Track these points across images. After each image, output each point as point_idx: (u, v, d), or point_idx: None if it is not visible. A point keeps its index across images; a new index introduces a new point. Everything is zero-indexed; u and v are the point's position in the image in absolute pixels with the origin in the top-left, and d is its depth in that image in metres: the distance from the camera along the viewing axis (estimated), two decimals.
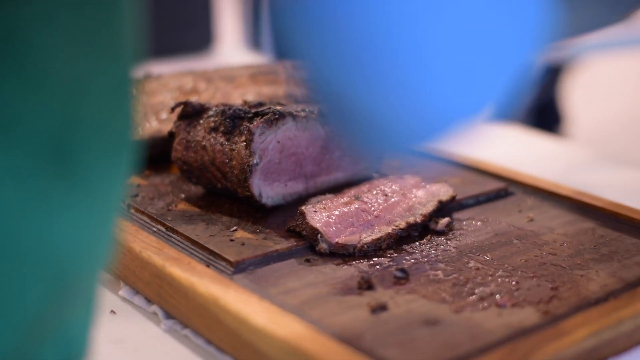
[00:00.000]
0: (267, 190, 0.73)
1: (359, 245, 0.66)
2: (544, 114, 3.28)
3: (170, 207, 0.73)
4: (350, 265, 0.65)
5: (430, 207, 0.72)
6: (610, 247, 0.69)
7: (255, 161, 0.71)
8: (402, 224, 0.69)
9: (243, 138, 0.71)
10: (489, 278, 0.63)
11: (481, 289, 0.61)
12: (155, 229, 0.70)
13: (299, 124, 0.74)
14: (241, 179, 0.71)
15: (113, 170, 0.37)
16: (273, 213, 0.73)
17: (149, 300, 0.66)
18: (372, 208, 0.71)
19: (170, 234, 0.69)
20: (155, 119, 0.84)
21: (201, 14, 1.49)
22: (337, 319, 0.57)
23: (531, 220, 0.74)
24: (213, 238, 0.67)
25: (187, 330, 0.62)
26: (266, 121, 0.72)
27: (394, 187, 0.74)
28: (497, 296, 0.60)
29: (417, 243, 0.69)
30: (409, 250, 0.68)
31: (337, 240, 0.66)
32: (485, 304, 0.59)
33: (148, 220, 0.72)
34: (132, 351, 0.61)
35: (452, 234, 0.71)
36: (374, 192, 0.73)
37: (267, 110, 0.72)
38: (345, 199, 0.71)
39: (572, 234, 0.72)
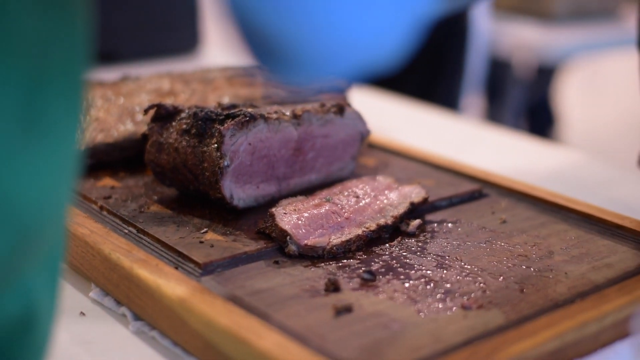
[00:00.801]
0: (239, 192, 0.73)
1: (327, 247, 0.66)
2: (537, 116, 3.28)
3: (142, 209, 0.73)
4: (318, 267, 0.65)
5: (401, 209, 0.72)
6: (582, 249, 0.69)
7: (226, 163, 0.71)
8: (373, 226, 0.69)
9: (214, 140, 0.71)
10: (457, 280, 0.63)
11: (448, 291, 0.61)
12: (126, 231, 0.70)
13: (270, 126, 0.74)
14: (212, 181, 0.71)
15: (70, 125, 0.40)
16: (245, 215, 0.73)
17: (119, 302, 0.66)
18: (343, 210, 0.71)
19: (141, 235, 0.69)
20: (130, 121, 0.84)
21: (187, 16, 1.49)
22: (301, 320, 0.57)
23: (504, 222, 0.74)
24: (183, 240, 0.67)
25: (155, 332, 0.62)
26: (237, 123, 0.72)
27: (366, 188, 0.74)
28: (464, 298, 0.60)
29: (387, 245, 0.69)
30: (378, 252, 0.68)
31: (305, 242, 0.66)
32: (451, 306, 0.59)
33: (120, 222, 0.72)
34: (99, 353, 0.61)
35: (423, 236, 0.71)
36: (346, 194, 0.73)
37: (239, 113, 0.72)
38: (316, 201, 0.71)
39: (544, 236, 0.72)
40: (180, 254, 0.65)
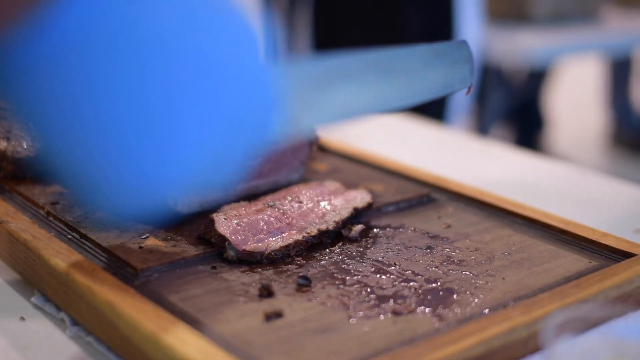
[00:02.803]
0: (183, 197, 0.73)
1: (265, 253, 0.66)
2: (526, 118, 3.28)
3: (87, 215, 0.74)
4: (255, 272, 0.65)
5: (344, 214, 0.72)
6: (523, 254, 0.70)
7: None
8: (313, 231, 0.70)
9: None
10: (393, 285, 0.63)
11: (381, 296, 0.62)
12: (70, 237, 0.71)
13: None
14: None
15: None
16: (189, 221, 0.73)
17: (59, 307, 0.66)
18: (285, 215, 0.71)
19: (84, 241, 0.69)
20: None
21: None
22: (230, 326, 0.57)
23: (448, 226, 0.75)
24: (123, 245, 0.67)
25: (91, 337, 0.62)
26: None
27: (310, 193, 0.74)
28: (396, 304, 0.60)
29: (327, 250, 0.69)
30: (318, 257, 0.68)
31: (244, 247, 0.66)
32: (382, 312, 0.59)
33: (64, 228, 0.72)
34: (34, 358, 0.61)
35: (365, 241, 0.71)
36: (289, 199, 0.73)
37: None
38: (259, 206, 0.72)
39: (487, 241, 0.72)
40: (119, 259, 0.65)
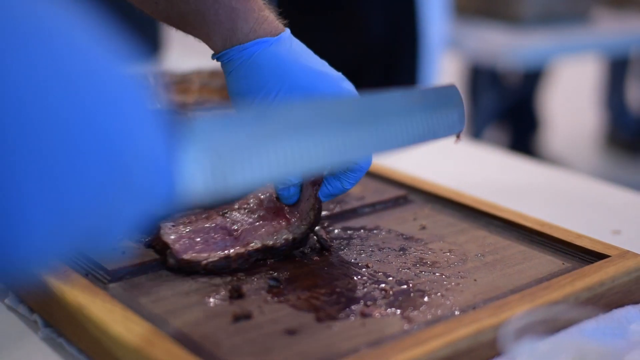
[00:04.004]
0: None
1: (203, 263, 0.65)
2: (520, 119, 3.28)
3: None
4: (228, 274, 0.65)
5: (297, 233, 0.69)
6: (496, 256, 0.70)
7: None
8: (258, 245, 0.67)
9: None
10: (364, 287, 0.63)
11: (352, 298, 0.62)
12: None
13: None
14: None
15: None
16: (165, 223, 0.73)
17: (31, 309, 0.66)
18: (234, 226, 0.69)
19: None
20: None
21: (147, 22, 1.49)
22: (198, 328, 0.57)
23: (423, 228, 0.75)
24: None
25: (62, 338, 0.63)
26: None
27: (259, 205, 0.72)
28: (366, 305, 0.61)
29: (300, 252, 0.69)
30: (290, 259, 0.68)
31: (183, 256, 0.65)
32: (352, 313, 0.60)
33: None
34: (5, 359, 0.61)
35: (339, 243, 0.71)
36: (243, 209, 0.71)
37: None
38: (210, 214, 0.70)
39: (461, 242, 0.72)
40: (91, 260, 0.66)
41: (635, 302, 0.67)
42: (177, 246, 0.66)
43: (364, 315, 0.59)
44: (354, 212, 0.78)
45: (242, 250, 0.66)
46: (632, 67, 3.55)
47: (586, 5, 2.62)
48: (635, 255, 0.69)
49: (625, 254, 0.69)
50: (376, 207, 0.79)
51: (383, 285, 0.64)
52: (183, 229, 0.68)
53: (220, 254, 0.66)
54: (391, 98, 0.60)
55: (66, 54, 0.39)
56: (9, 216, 0.37)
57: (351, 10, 1.67)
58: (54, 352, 0.62)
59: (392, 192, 0.82)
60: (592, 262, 0.68)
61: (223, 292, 0.62)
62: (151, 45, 1.52)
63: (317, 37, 1.81)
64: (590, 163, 3.48)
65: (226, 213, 0.71)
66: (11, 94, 0.36)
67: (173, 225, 0.68)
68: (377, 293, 0.63)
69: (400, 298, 0.62)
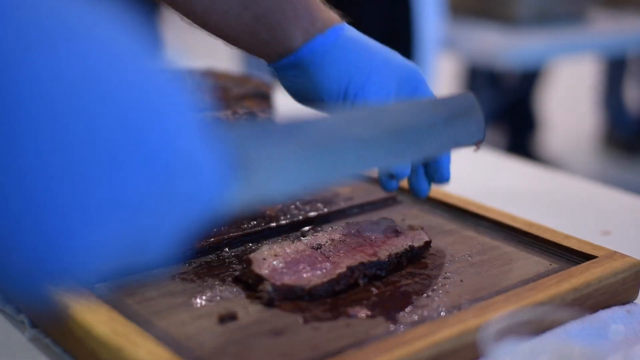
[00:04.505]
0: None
1: (307, 288, 0.62)
2: (518, 120, 3.28)
3: None
4: (215, 274, 0.65)
5: (397, 250, 0.67)
6: (483, 256, 0.70)
7: None
8: (362, 260, 0.65)
9: None
10: (350, 288, 0.63)
11: (337, 299, 0.62)
12: None
13: None
14: None
15: None
16: None
17: (19, 309, 0.66)
18: (328, 253, 0.66)
19: None
20: None
21: (146, 23, 1.49)
22: (183, 329, 0.57)
23: (411, 229, 0.75)
24: None
25: (49, 339, 0.63)
26: None
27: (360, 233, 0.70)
28: (352, 306, 0.61)
29: None
30: None
31: (284, 281, 0.62)
32: (337, 314, 0.60)
33: None
34: None
35: (327, 242, 0.71)
36: (335, 239, 0.68)
37: None
38: (301, 247, 0.67)
39: (450, 243, 0.72)
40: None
41: (622, 303, 0.67)
42: (273, 274, 0.62)
43: (349, 316, 0.59)
44: (342, 213, 0.78)
45: (344, 269, 0.63)
46: (629, 68, 3.55)
47: (582, 5, 2.62)
48: (622, 256, 0.69)
49: (612, 254, 0.69)
50: (365, 207, 0.80)
51: (369, 285, 0.64)
52: (273, 260, 0.64)
53: (323, 276, 0.62)
54: (415, 107, 0.62)
55: (97, 53, 0.36)
56: (50, 232, 0.35)
57: (345, 11, 1.67)
58: (40, 353, 0.62)
59: (381, 193, 0.82)
60: (580, 263, 0.68)
61: (209, 293, 0.62)
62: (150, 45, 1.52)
63: None
64: (588, 163, 3.48)
65: (319, 247, 0.67)
66: (42, 97, 0.33)
67: (263, 259, 0.64)
68: (363, 294, 0.63)
69: (386, 299, 0.62)
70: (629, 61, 3.50)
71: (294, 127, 0.51)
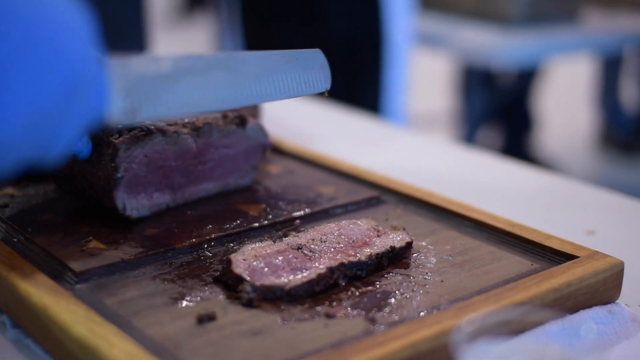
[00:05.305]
0: (132, 202, 0.73)
1: (286, 288, 0.62)
2: (514, 119, 3.28)
3: (35, 218, 0.74)
4: (196, 275, 0.65)
5: (378, 250, 0.67)
6: (465, 256, 0.70)
7: (119, 175, 0.72)
8: (342, 261, 0.65)
9: (110, 151, 0.71)
10: (330, 288, 0.64)
11: (316, 299, 0.62)
12: (15, 240, 0.71)
13: (168, 139, 0.75)
14: (106, 190, 0.72)
15: None
16: (136, 224, 0.73)
17: (0, 310, 0.67)
18: (310, 253, 0.67)
19: (28, 244, 0.70)
20: None
21: (134, 23, 1.49)
22: (161, 329, 0.57)
23: (394, 229, 0.75)
24: (65, 248, 0.68)
25: (29, 339, 0.63)
26: (132, 137, 0.72)
27: (341, 233, 0.70)
28: (331, 306, 0.61)
29: None
30: None
31: (263, 282, 0.62)
32: (316, 315, 0.60)
33: (10, 231, 0.72)
34: None
35: (308, 243, 0.71)
36: (317, 239, 0.69)
37: (136, 125, 0.73)
38: (282, 247, 0.67)
39: (432, 243, 0.72)
40: (59, 262, 0.66)
41: (604, 303, 0.68)
42: (252, 275, 0.63)
43: (328, 316, 0.60)
44: (326, 213, 0.78)
45: (324, 270, 0.63)
46: (625, 66, 3.55)
47: (575, 4, 2.62)
48: (604, 256, 0.69)
49: (594, 254, 0.69)
50: (348, 207, 0.80)
51: (349, 286, 0.64)
52: (254, 261, 0.64)
53: (303, 277, 0.62)
54: (260, 56, 0.70)
55: None
56: None
57: (313, 8, 1.66)
58: (21, 354, 0.62)
59: (365, 193, 0.82)
60: (561, 263, 0.68)
61: (189, 294, 0.62)
62: (137, 46, 1.52)
63: (279, 36, 1.81)
64: (584, 163, 3.49)
65: (300, 247, 0.67)
66: None
67: (243, 259, 0.64)
68: (342, 294, 0.63)
69: (365, 299, 0.62)
70: (625, 60, 3.50)
71: (173, 60, 0.64)
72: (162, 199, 0.76)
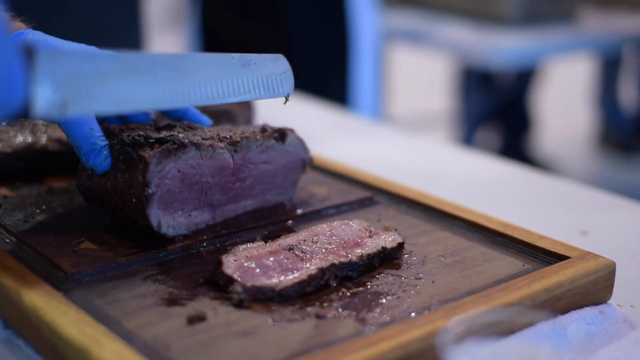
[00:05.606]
0: (169, 219, 0.70)
1: (277, 289, 0.62)
2: (512, 119, 3.28)
3: (27, 219, 0.74)
4: (188, 275, 0.65)
5: (369, 251, 0.68)
6: (457, 257, 0.70)
7: (150, 191, 0.68)
8: (333, 262, 0.65)
9: (140, 166, 0.68)
10: (321, 288, 0.64)
11: (307, 300, 0.62)
12: (8, 241, 0.71)
13: (203, 153, 0.71)
14: (139, 208, 0.69)
15: None
16: (129, 225, 0.73)
17: None
18: (302, 254, 0.67)
19: (20, 245, 0.70)
20: (30, 133, 0.85)
21: (130, 24, 1.49)
22: (151, 330, 0.57)
23: (387, 229, 0.75)
24: (57, 249, 0.68)
25: (21, 340, 0.63)
26: (163, 151, 0.69)
27: (333, 234, 0.70)
28: (322, 307, 0.61)
29: None
30: None
31: (254, 283, 0.62)
32: (306, 315, 0.60)
33: (3, 232, 0.72)
34: None
35: (299, 244, 0.71)
36: (310, 240, 0.69)
37: (169, 138, 0.70)
38: (274, 248, 0.67)
39: (424, 244, 0.72)
40: (51, 263, 0.66)
41: (596, 304, 0.68)
42: (243, 275, 0.62)
43: (319, 317, 0.60)
44: (318, 214, 0.78)
45: (315, 271, 0.63)
46: (624, 66, 3.55)
47: (572, 4, 2.62)
48: (595, 256, 0.69)
49: (585, 255, 0.69)
50: (341, 208, 0.80)
51: (341, 286, 0.64)
52: (245, 262, 0.64)
53: (294, 277, 0.62)
54: (215, 58, 0.69)
55: None
56: None
57: (276, 6, 1.65)
58: (12, 354, 0.62)
59: (358, 194, 0.82)
60: (553, 264, 0.68)
61: (181, 295, 0.62)
62: (133, 47, 1.52)
63: (243, 35, 1.79)
64: (583, 163, 3.49)
65: (292, 247, 0.67)
66: None
67: (234, 260, 0.64)
68: (333, 295, 0.63)
69: (356, 300, 0.62)
70: (624, 60, 3.50)
71: (118, 56, 0.63)
72: (201, 217, 0.73)
